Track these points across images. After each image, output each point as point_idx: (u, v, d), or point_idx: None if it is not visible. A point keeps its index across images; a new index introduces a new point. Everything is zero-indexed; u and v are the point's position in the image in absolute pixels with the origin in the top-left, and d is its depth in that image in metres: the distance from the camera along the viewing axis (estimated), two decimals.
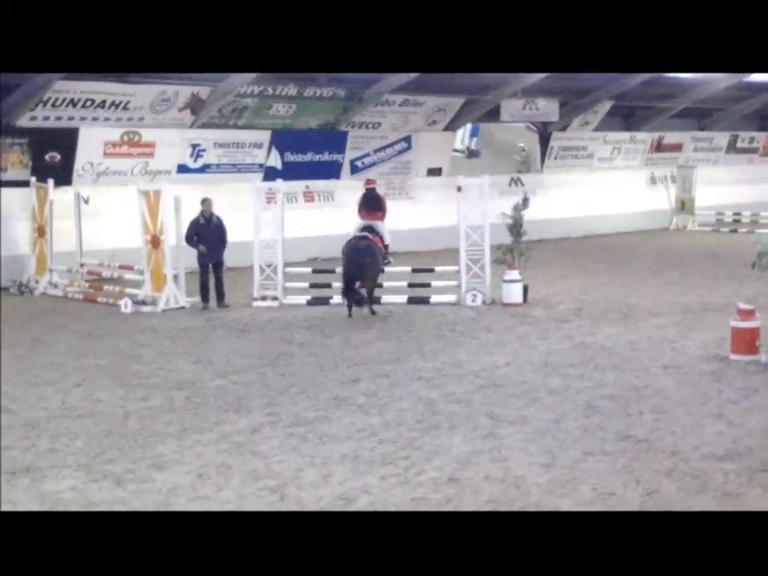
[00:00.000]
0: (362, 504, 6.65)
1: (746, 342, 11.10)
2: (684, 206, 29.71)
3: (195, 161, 21.57)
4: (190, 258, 15.75)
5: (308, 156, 23.37)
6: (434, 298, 15.60)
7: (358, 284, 14.33)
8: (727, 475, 7.21)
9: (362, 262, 14.46)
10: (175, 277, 15.52)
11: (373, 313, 14.66)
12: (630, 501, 6.68)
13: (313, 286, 16.21)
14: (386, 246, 15.52)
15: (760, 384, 10.01)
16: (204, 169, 21.73)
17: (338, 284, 15.17)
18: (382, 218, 15.82)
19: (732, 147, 32.75)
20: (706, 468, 7.38)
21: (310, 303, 15.73)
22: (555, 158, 28.30)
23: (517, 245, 15.96)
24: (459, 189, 16.23)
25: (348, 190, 22.29)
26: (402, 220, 21.01)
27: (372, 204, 15.87)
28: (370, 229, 15.28)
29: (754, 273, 11.26)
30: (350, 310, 14.54)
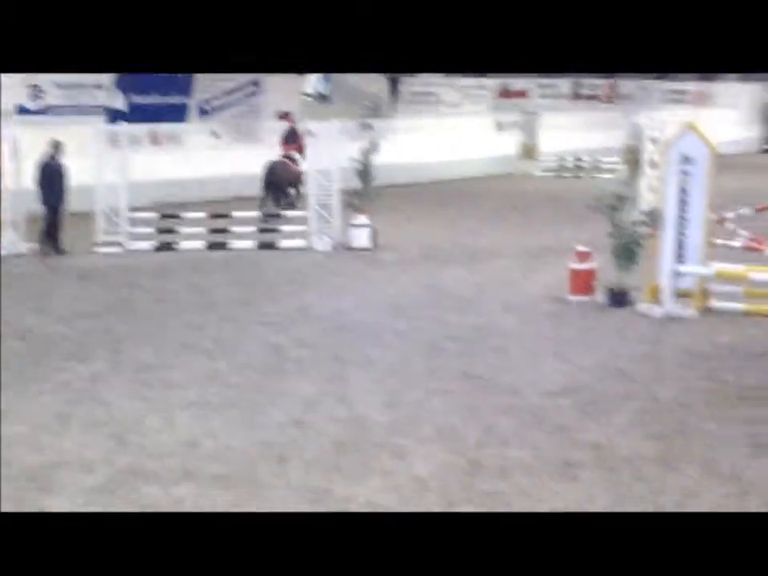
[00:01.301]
0: (205, 448, 6.67)
1: (583, 282, 11.51)
2: (528, 151, 30.38)
3: (34, 101, 20.73)
4: (30, 203, 15.20)
5: (154, 98, 22.77)
6: (284, 243, 15.55)
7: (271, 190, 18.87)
8: (561, 410, 7.52)
9: (275, 168, 19.06)
10: (14, 222, 14.97)
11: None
12: (470, 438, 6.89)
13: (160, 231, 15.91)
14: (300, 174, 18.97)
15: (595, 323, 10.43)
16: (45, 111, 20.91)
17: (186, 230, 15.21)
18: (298, 149, 19.52)
19: (575, 94, 33.59)
20: (542, 403, 7.68)
21: (156, 249, 15.45)
22: (405, 104, 28.41)
23: (366, 189, 16.02)
24: (309, 134, 16.15)
25: (195, 134, 21.86)
26: (253, 163, 20.73)
27: (289, 137, 20.05)
28: (286, 157, 19.57)
29: (590, 216, 11.61)
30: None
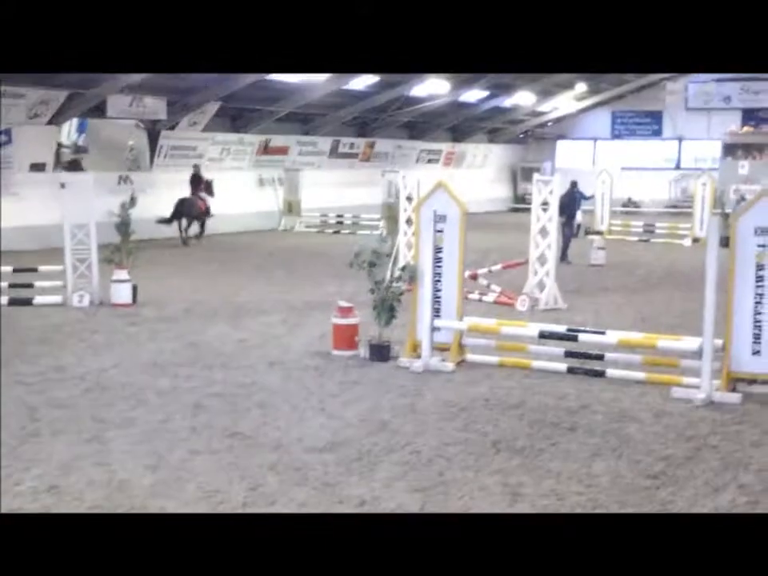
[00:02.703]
0: None
1: (346, 337, 11.70)
2: (291, 207, 30.72)
3: None
4: None
5: None
6: (38, 299, 14.92)
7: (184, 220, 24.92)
8: (327, 466, 7.57)
9: (184, 201, 24.95)
10: None
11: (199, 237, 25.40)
12: (235, 497, 6.81)
13: None
14: (207, 208, 25.61)
15: (359, 377, 10.60)
16: None
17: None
18: (205, 189, 25.73)
19: (334, 152, 34.33)
20: (308, 460, 7.70)
21: None
22: (165, 157, 28.09)
23: (125, 244, 15.66)
24: (63, 185, 15.65)
25: None
26: (4, 217, 19.82)
27: (194, 181, 25.82)
28: (194, 194, 25.39)
29: (353, 272, 11.85)
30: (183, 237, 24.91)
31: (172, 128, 27.88)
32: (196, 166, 26.78)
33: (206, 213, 25.51)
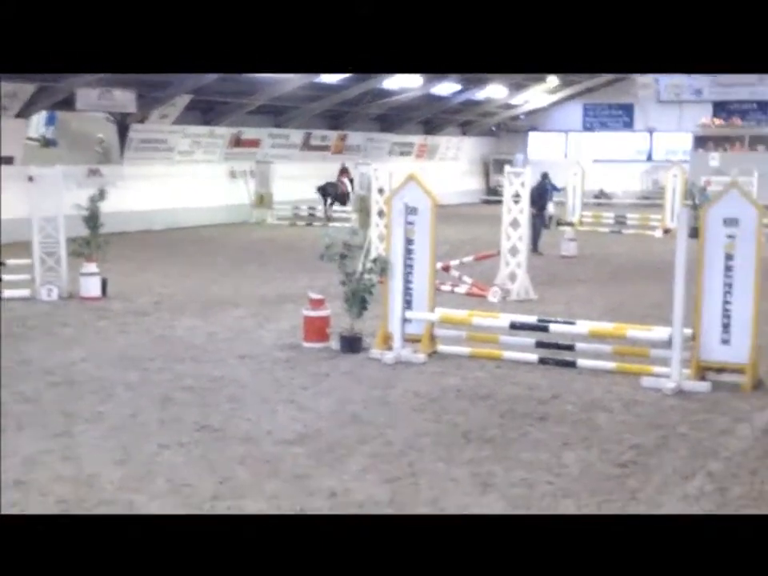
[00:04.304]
0: None
1: (317, 329, 11.66)
2: (263, 200, 30.59)
3: None
4: None
5: None
6: (6, 293, 14.77)
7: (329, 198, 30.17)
8: (297, 458, 7.53)
9: (329, 184, 30.38)
10: None
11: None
12: (204, 490, 6.76)
13: None
14: (348, 192, 30.27)
15: (330, 369, 10.56)
16: None
17: None
18: (348, 179, 30.56)
19: (306, 144, 34.21)
20: (278, 452, 7.66)
21: None
22: (135, 150, 27.88)
23: (94, 237, 15.52)
24: (31, 179, 15.50)
25: None
26: None
27: (342, 172, 31.40)
28: (339, 181, 30.98)
29: (324, 264, 11.81)
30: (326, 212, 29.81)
31: (142, 121, 27.66)
32: (344, 163, 32.49)
33: (347, 195, 30.34)
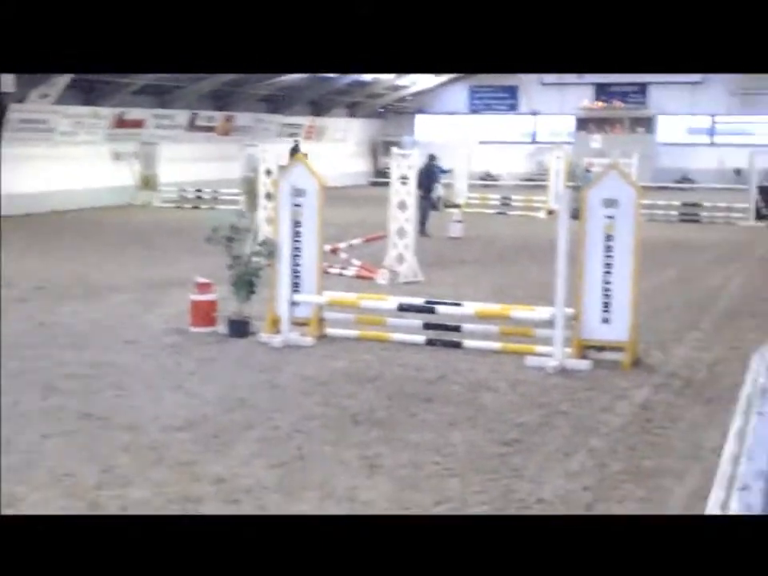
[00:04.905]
0: None
1: (204, 314, 11.54)
2: (148, 182, 30.08)
3: None
4: None
5: None
6: None
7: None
8: (183, 444, 7.46)
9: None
10: None
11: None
12: (87, 479, 6.64)
13: None
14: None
15: (217, 354, 10.48)
16: None
17: None
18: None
19: (192, 125, 33.72)
20: (164, 439, 7.57)
21: None
22: (14, 131, 27.03)
23: None
24: None
25: None
26: None
27: (293, 153, 29.28)
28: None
29: (211, 248, 11.68)
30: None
31: (21, 101, 26.84)
32: (296, 142, 33.65)
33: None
